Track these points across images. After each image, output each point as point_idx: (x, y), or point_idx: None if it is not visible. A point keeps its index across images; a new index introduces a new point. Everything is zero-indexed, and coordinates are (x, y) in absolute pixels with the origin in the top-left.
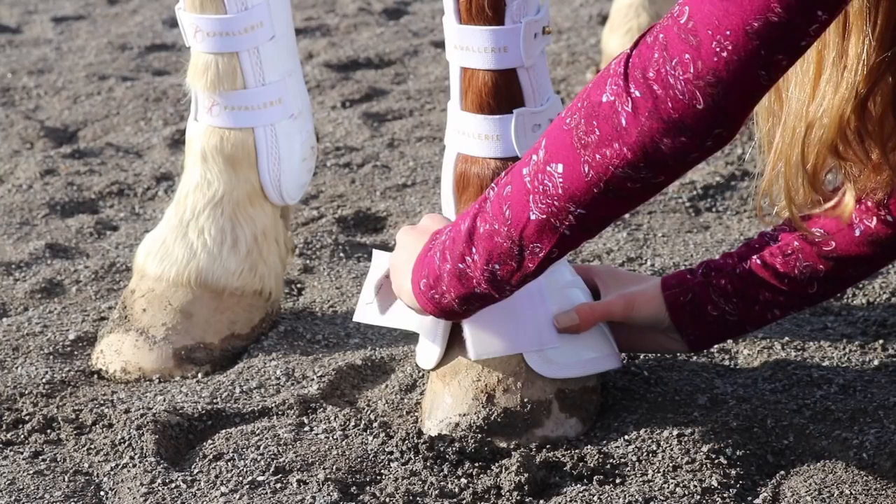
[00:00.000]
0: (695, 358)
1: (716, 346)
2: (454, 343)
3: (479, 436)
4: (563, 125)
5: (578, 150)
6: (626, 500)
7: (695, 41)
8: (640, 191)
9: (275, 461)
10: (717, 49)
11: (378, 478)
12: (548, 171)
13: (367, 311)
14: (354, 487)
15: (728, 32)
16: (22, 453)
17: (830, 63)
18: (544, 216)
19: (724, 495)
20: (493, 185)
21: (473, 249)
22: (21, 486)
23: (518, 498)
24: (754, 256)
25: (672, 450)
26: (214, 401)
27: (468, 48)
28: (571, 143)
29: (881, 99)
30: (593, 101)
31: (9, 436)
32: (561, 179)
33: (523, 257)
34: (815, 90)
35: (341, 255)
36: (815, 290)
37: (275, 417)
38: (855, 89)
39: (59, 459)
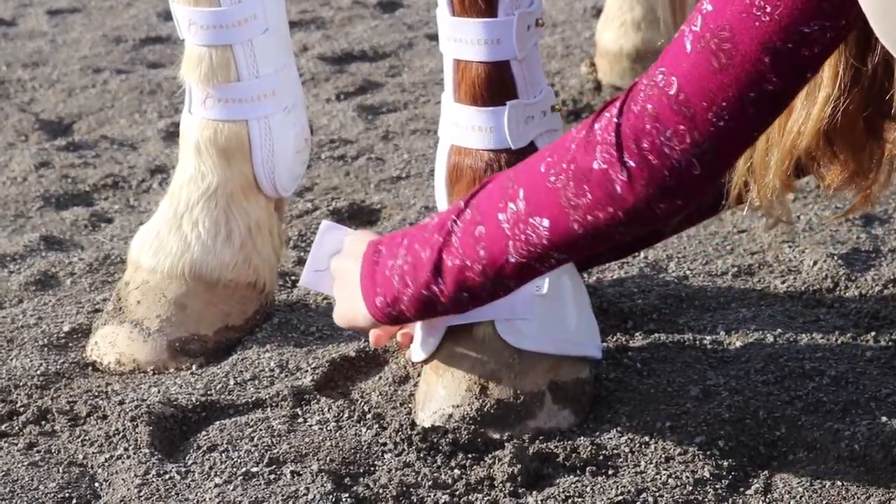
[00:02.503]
0: (687, 350)
1: (708, 337)
2: (447, 335)
3: (473, 427)
4: (546, 182)
5: (567, 209)
6: (619, 492)
7: (689, 112)
8: (626, 237)
9: (269, 452)
10: (714, 119)
11: (372, 469)
12: (531, 223)
13: (315, 278)
14: (348, 478)
15: (724, 104)
16: (16, 445)
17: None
18: (524, 260)
19: (717, 486)
20: (453, 218)
21: (440, 280)
22: (15, 478)
23: (511, 489)
24: None
25: (665, 441)
26: (208, 392)
27: (461, 40)
28: (558, 202)
29: (853, 107)
30: (582, 166)
31: (3, 427)
32: (547, 232)
33: (496, 291)
34: (793, 106)
35: None
36: None
37: (269, 409)
38: (831, 102)
39: (53, 451)
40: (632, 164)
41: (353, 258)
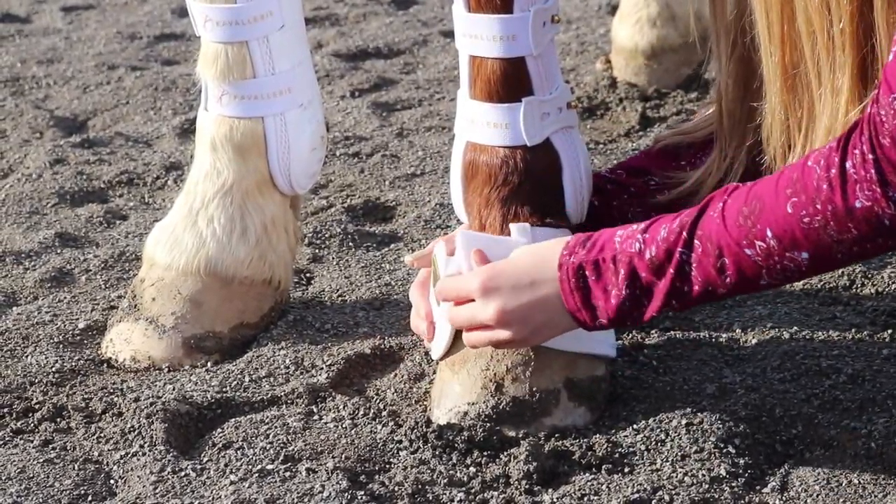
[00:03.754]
0: (703, 348)
1: (724, 335)
2: (461, 332)
3: (488, 425)
4: (798, 222)
5: (830, 245)
6: (635, 489)
7: None
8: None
9: (284, 450)
10: None
11: (387, 466)
12: (787, 256)
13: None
14: (363, 476)
15: None
16: (32, 441)
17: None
18: (777, 282)
19: (733, 484)
20: (681, 250)
21: (675, 302)
22: (31, 475)
23: (527, 486)
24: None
25: (681, 439)
26: (224, 389)
27: (477, 36)
28: (818, 239)
29: None
30: (843, 205)
31: (19, 424)
32: (807, 262)
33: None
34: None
35: (350, 244)
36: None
37: (284, 406)
38: None
39: (68, 448)
40: None
41: (527, 285)
